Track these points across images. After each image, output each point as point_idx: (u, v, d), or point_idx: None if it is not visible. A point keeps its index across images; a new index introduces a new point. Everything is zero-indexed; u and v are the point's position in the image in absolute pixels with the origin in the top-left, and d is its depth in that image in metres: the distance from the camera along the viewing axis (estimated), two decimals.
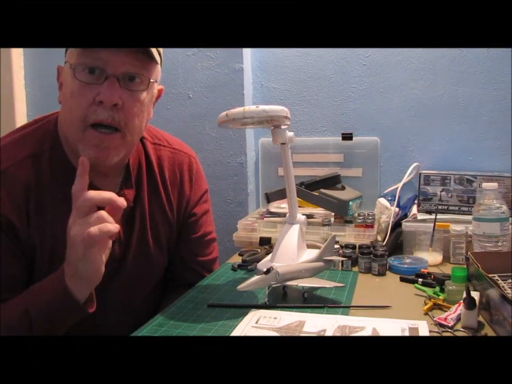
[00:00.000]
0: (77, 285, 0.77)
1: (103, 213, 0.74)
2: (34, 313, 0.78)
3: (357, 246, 1.15)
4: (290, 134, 1.04)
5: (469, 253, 0.94)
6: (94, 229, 0.72)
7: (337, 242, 1.15)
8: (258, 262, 1.11)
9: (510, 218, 1.08)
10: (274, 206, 1.51)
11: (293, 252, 1.04)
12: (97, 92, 0.81)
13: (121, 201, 0.76)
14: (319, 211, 1.44)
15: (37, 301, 0.79)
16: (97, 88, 0.81)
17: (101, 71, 0.81)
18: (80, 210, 0.74)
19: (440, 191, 1.31)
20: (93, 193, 0.75)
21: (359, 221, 1.27)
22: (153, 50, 0.83)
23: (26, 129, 0.92)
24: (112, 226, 0.74)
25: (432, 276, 1.00)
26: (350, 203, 1.34)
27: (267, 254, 1.17)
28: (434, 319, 0.81)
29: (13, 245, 0.85)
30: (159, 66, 0.89)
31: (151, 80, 0.87)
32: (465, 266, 0.98)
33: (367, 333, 0.77)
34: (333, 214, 1.38)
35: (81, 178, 0.76)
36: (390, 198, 1.36)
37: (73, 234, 0.74)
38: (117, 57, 0.80)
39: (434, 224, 1.17)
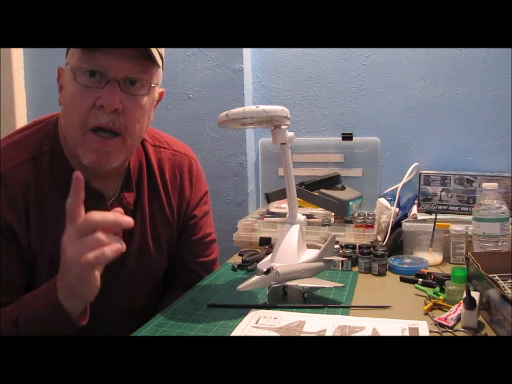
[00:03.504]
0: (70, 302, 0.75)
1: (101, 236, 0.69)
2: (24, 324, 0.77)
3: (357, 246, 1.15)
4: (290, 134, 1.04)
5: (469, 253, 0.94)
6: (90, 255, 0.68)
7: (337, 242, 1.15)
8: (258, 262, 1.11)
9: (510, 218, 1.08)
10: (274, 206, 1.51)
11: (293, 252, 1.04)
12: (98, 95, 0.81)
13: (128, 221, 0.72)
14: (319, 211, 1.44)
15: (28, 313, 0.77)
16: (98, 92, 0.81)
17: (101, 75, 0.81)
18: (80, 231, 0.70)
19: (440, 191, 1.31)
20: (97, 216, 0.70)
21: (359, 221, 1.27)
22: (155, 53, 0.82)
23: (26, 131, 0.92)
24: (110, 250, 0.70)
25: (432, 276, 1.00)
26: (350, 203, 1.34)
27: (267, 254, 1.17)
28: (434, 319, 0.81)
29: (12, 248, 0.84)
30: (160, 70, 0.89)
31: (152, 85, 0.86)
32: (465, 266, 0.98)
33: (367, 333, 0.77)
34: (333, 214, 1.38)
35: (76, 196, 0.70)
36: (390, 198, 1.36)
37: (69, 255, 0.70)
38: (118, 62, 0.80)
39: (434, 224, 1.17)
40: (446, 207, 1.30)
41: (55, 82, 0.90)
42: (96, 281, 0.73)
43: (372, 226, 1.25)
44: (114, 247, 0.70)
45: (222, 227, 1.60)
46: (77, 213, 0.71)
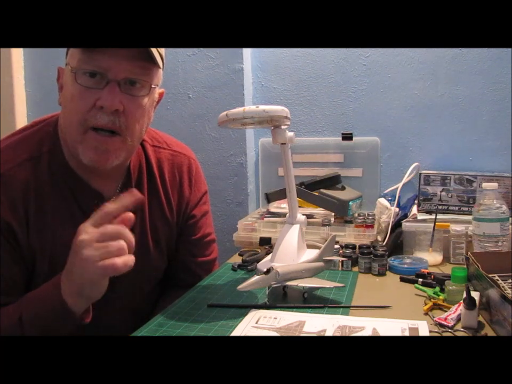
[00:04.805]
0: (76, 301, 0.75)
1: (124, 244, 0.72)
2: (27, 322, 0.77)
3: (357, 246, 1.15)
4: (290, 134, 1.04)
5: (469, 253, 0.94)
6: (119, 262, 0.70)
7: (337, 242, 1.15)
8: (258, 262, 1.11)
9: (510, 218, 1.08)
10: (274, 206, 1.51)
11: (293, 252, 1.04)
12: (98, 96, 0.81)
13: (136, 194, 0.74)
14: (319, 211, 1.44)
15: (31, 311, 0.78)
16: (98, 92, 0.81)
17: (101, 75, 0.81)
18: (105, 236, 0.71)
19: (440, 191, 1.31)
20: (112, 207, 0.72)
21: (359, 221, 1.27)
22: (156, 54, 0.82)
23: (25, 132, 0.92)
24: (131, 259, 0.72)
25: (432, 276, 1.00)
26: (350, 203, 1.34)
27: (267, 254, 1.17)
28: (434, 319, 0.81)
29: (12, 248, 0.84)
30: (160, 70, 0.89)
31: (152, 86, 0.86)
32: (465, 266, 0.98)
33: (367, 333, 0.77)
34: (333, 214, 1.38)
35: (123, 205, 0.74)
36: (390, 198, 1.36)
37: (88, 256, 0.70)
38: (118, 62, 0.80)
39: (434, 224, 1.17)
40: (446, 207, 1.30)
41: (55, 82, 0.90)
42: (106, 282, 0.75)
43: (372, 226, 1.25)
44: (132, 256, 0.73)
45: (222, 227, 1.60)
46: (110, 219, 0.72)
